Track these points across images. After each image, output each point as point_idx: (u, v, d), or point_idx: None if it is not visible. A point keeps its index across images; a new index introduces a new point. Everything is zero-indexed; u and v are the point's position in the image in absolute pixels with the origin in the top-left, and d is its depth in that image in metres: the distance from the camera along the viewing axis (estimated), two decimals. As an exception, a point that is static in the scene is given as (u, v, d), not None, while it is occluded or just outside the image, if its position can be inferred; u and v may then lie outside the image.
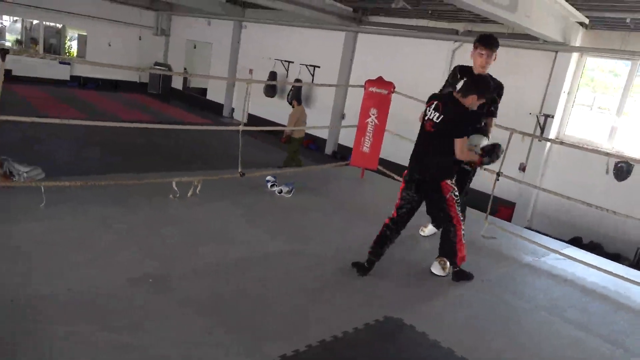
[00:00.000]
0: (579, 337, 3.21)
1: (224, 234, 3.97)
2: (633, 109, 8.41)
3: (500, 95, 3.85)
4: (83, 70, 17.58)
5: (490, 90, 3.56)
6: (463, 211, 4.24)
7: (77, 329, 2.40)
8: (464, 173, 3.98)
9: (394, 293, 3.41)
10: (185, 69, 18.59)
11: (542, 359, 2.90)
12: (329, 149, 13.37)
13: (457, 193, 3.57)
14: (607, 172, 5.86)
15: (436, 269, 3.78)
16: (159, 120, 13.35)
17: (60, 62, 16.99)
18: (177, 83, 19.44)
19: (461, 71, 3.86)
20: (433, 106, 3.45)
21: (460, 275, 3.73)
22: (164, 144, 10.07)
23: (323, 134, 13.37)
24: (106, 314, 2.59)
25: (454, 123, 3.38)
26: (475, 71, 3.76)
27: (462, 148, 3.38)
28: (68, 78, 17.35)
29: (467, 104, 3.38)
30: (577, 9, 7.31)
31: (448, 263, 3.74)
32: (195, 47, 18.57)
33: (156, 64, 19.10)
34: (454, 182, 3.55)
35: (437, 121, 3.39)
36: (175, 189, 4.58)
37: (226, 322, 2.72)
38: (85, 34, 17.92)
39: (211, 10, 14.60)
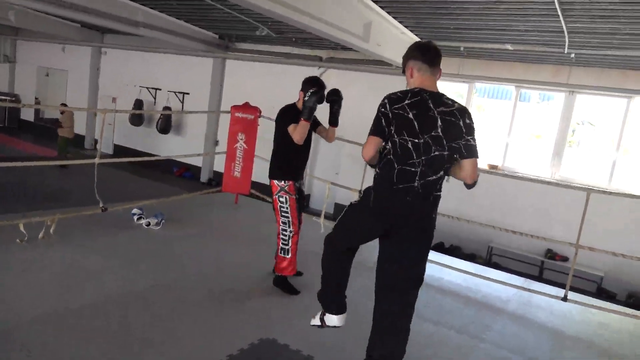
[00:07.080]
0: (434, 331, 3.56)
1: (75, 276, 3.62)
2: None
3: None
4: None
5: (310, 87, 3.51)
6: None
7: None
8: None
9: (263, 314, 3.42)
10: (36, 98, 16.87)
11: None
12: (204, 177, 13.06)
13: (283, 198, 3.65)
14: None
15: None
16: (3, 157, 11.83)
17: None
18: (27, 114, 17.52)
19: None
20: None
21: (280, 284, 3.79)
22: (11, 183, 8.93)
23: (197, 161, 13.02)
24: None
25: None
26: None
27: (292, 131, 3.57)
28: None
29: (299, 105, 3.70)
30: (421, 38, 8.21)
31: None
32: (47, 75, 16.98)
33: (0, 93, 17.06)
34: (283, 183, 3.68)
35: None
36: (23, 231, 4.11)
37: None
38: None
39: (65, 35, 13.44)
